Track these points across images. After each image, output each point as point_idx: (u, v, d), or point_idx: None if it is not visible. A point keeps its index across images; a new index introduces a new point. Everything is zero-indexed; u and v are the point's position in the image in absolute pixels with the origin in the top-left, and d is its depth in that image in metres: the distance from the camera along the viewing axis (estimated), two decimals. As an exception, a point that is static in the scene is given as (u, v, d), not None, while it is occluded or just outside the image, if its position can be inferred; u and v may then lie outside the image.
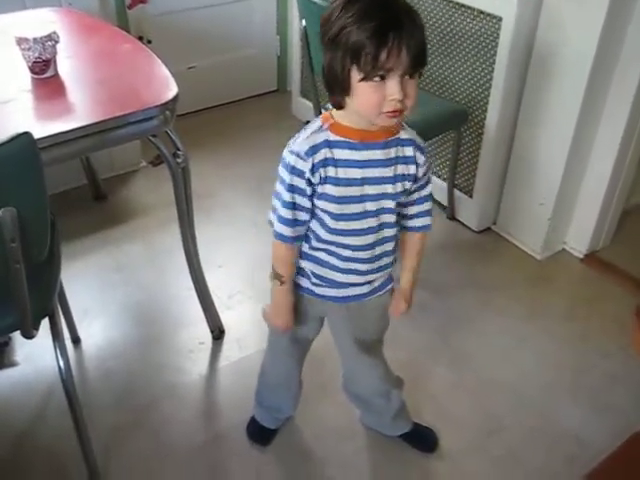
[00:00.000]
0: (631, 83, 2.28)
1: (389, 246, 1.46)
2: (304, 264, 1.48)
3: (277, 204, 1.38)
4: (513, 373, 2.16)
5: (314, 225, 1.41)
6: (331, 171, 1.31)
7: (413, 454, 1.89)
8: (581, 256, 2.69)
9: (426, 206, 1.47)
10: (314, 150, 1.30)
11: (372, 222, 1.38)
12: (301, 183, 1.32)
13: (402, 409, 1.85)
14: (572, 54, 2.26)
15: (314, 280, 1.49)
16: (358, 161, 1.32)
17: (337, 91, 1.25)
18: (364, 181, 1.33)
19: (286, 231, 1.39)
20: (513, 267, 2.63)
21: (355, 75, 1.20)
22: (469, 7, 2.43)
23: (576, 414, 2.04)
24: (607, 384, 2.14)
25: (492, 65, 2.44)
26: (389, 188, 1.35)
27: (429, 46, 2.63)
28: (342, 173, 1.32)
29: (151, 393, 2.06)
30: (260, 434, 1.91)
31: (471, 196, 2.76)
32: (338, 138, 1.31)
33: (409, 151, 1.36)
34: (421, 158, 1.37)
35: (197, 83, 3.45)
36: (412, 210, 1.46)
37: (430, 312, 2.36)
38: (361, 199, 1.35)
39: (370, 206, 1.36)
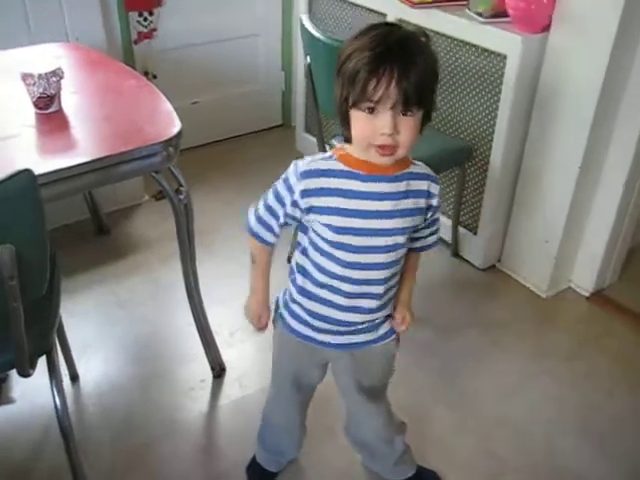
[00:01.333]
0: (636, 121, 2.28)
1: (395, 280, 1.44)
2: (304, 303, 1.45)
3: (262, 200, 1.41)
4: (518, 414, 2.12)
5: (318, 259, 1.38)
6: (332, 201, 1.30)
7: (416, 498, 1.85)
8: (587, 294, 2.66)
9: (436, 224, 1.46)
10: (311, 174, 1.30)
11: (382, 258, 1.36)
12: (286, 196, 1.34)
13: (405, 454, 1.81)
14: (577, 93, 2.26)
15: (315, 324, 1.46)
16: (363, 192, 1.30)
17: (342, 122, 1.27)
18: (369, 214, 1.31)
19: (252, 221, 1.43)
20: (518, 306, 2.60)
21: (349, 102, 1.21)
22: (474, 45, 2.44)
23: (582, 456, 1.99)
24: (613, 426, 2.10)
25: (497, 102, 2.44)
26: (399, 222, 1.33)
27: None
28: (344, 204, 1.30)
29: (150, 431, 2.02)
30: (260, 476, 1.87)
31: (475, 233, 2.74)
32: (344, 168, 1.30)
33: (422, 185, 1.35)
34: (436, 188, 1.37)
35: (201, 118, 3.47)
36: (425, 232, 1.45)
37: (434, 351, 2.33)
38: (369, 232, 1.32)
39: (381, 241, 1.34)
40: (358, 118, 1.22)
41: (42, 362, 1.60)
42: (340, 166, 1.30)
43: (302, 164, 1.32)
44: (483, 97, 2.50)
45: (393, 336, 1.54)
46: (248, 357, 2.32)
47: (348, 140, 1.29)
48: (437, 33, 2.55)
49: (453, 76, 2.58)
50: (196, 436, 2.04)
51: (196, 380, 2.20)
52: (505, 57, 2.34)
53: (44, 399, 1.92)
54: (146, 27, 3.18)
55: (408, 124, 1.21)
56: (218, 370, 2.22)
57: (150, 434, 2.01)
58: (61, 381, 1.66)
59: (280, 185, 1.35)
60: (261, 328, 1.57)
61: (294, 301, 1.48)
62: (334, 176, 1.30)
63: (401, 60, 1.16)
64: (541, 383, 2.25)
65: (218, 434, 2.07)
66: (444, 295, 2.60)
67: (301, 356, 1.56)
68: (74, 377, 2.16)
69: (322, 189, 1.30)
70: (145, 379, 2.20)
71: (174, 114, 1.86)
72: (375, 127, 1.20)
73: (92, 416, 2.07)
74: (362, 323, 1.46)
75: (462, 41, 2.48)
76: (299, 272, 1.44)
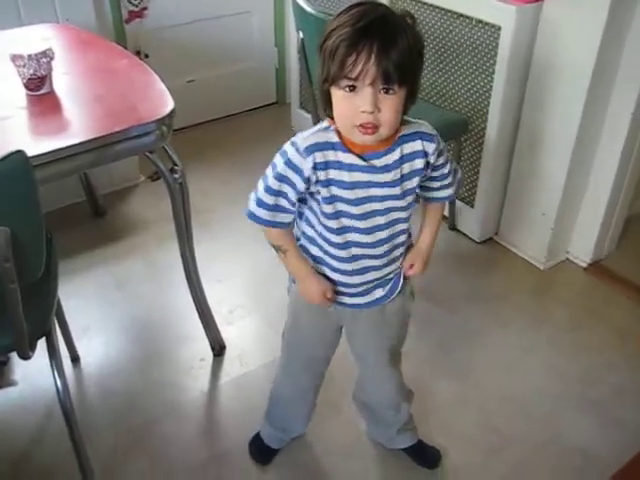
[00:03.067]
0: (632, 89, 2.26)
1: (401, 239, 1.43)
2: (315, 268, 1.46)
3: (260, 186, 1.36)
4: (518, 386, 2.13)
5: (320, 227, 1.38)
6: (334, 173, 1.29)
7: (419, 472, 1.86)
8: (585, 265, 2.66)
9: (448, 179, 1.43)
10: (316, 148, 1.28)
11: (380, 220, 1.36)
12: (295, 178, 1.30)
13: (409, 422, 1.83)
14: (571, 63, 2.25)
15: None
16: (361, 166, 1.29)
17: (324, 104, 1.26)
18: (370, 184, 1.31)
19: (262, 214, 1.37)
20: (516, 278, 2.61)
21: (329, 80, 1.20)
22: (468, 17, 2.42)
23: (583, 427, 2.01)
24: (613, 396, 2.11)
25: (492, 74, 2.42)
26: (396, 190, 1.33)
27: (428, 56, 2.63)
28: (347, 176, 1.30)
29: (151, 411, 2.03)
30: (262, 453, 1.88)
31: (472, 206, 2.74)
32: (341, 142, 1.29)
33: (417, 145, 1.32)
34: (430, 147, 1.33)
35: (196, 97, 3.45)
36: (434, 184, 1.43)
37: (433, 324, 2.33)
38: (367, 200, 1.32)
39: (377, 206, 1.34)
40: (339, 97, 1.20)
41: (43, 344, 1.61)
42: (338, 138, 1.28)
43: (301, 140, 1.29)
44: (478, 69, 2.48)
45: (405, 288, 1.53)
46: (248, 334, 2.32)
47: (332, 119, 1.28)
48: (431, 5, 2.53)
49: (447, 49, 2.56)
50: (197, 415, 2.05)
51: (196, 359, 2.20)
52: (499, 28, 2.32)
53: (45, 381, 1.92)
54: (137, 6, 3.14)
55: (390, 102, 1.19)
56: (218, 348, 2.22)
57: (151, 414, 2.02)
58: (61, 363, 1.66)
59: (281, 167, 1.31)
60: (332, 300, 1.47)
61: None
62: (334, 149, 1.29)
63: (381, 36, 1.14)
64: (541, 355, 2.26)
65: (219, 412, 2.08)
66: (442, 268, 2.60)
67: (318, 321, 1.55)
68: (75, 359, 2.17)
69: (327, 162, 1.29)
70: (145, 359, 2.21)
71: (167, 92, 1.85)
72: (355, 106, 1.18)
73: (93, 397, 2.08)
74: (372, 282, 1.46)
75: (456, 13, 2.45)
76: (305, 239, 1.44)
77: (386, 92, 1.17)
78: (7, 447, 1.92)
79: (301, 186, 1.31)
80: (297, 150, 1.29)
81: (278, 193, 1.34)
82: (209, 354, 2.22)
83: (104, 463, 1.86)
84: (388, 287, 1.50)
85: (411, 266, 1.51)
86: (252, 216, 1.39)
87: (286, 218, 1.39)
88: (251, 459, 1.88)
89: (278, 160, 1.32)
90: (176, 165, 1.90)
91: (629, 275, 2.61)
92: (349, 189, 1.31)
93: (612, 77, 2.28)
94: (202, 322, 2.20)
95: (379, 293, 1.50)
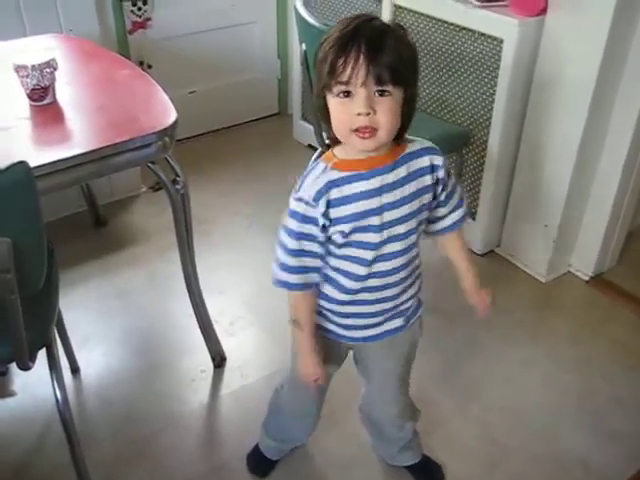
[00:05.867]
0: (634, 103, 2.27)
1: (415, 263, 1.42)
2: (335, 308, 1.43)
3: (279, 253, 1.34)
4: (518, 399, 2.13)
5: (342, 264, 1.36)
6: (345, 209, 1.27)
7: (420, 485, 1.85)
8: (587, 278, 2.66)
9: (455, 199, 1.41)
10: (321, 194, 1.26)
11: (398, 246, 1.33)
12: (313, 230, 1.29)
13: (412, 440, 1.80)
14: (574, 76, 2.25)
15: (343, 322, 1.45)
16: (371, 190, 1.27)
17: (323, 119, 1.25)
18: (382, 209, 1.29)
19: (291, 278, 1.34)
20: (518, 290, 2.60)
21: (324, 89, 1.19)
22: (470, 30, 2.42)
23: (582, 440, 2.00)
24: (613, 409, 2.10)
25: (494, 87, 2.43)
26: (406, 208, 1.31)
27: (430, 69, 2.64)
28: (356, 208, 1.28)
29: (151, 422, 2.02)
30: (260, 465, 1.87)
31: (474, 219, 2.74)
32: (345, 174, 1.27)
33: (424, 161, 1.31)
34: (439, 159, 1.32)
35: (198, 108, 3.45)
36: (441, 212, 1.41)
37: (434, 337, 2.32)
38: (381, 227, 1.30)
39: (394, 231, 1.31)
40: (334, 105, 1.19)
41: (43, 355, 1.60)
42: (339, 174, 1.27)
43: (306, 193, 1.27)
44: (480, 82, 2.49)
45: (418, 314, 1.53)
46: (248, 346, 2.32)
47: (332, 140, 1.27)
48: (433, 18, 2.53)
49: (450, 61, 2.56)
50: (197, 427, 2.04)
51: (197, 370, 2.20)
52: (502, 41, 2.32)
53: (45, 392, 1.91)
54: (140, 16, 3.15)
55: (385, 104, 1.17)
56: (218, 360, 2.21)
57: (151, 426, 2.01)
58: (61, 374, 1.65)
59: (296, 226, 1.29)
60: (315, 382, 1.49)
61: (323, 307, 1.44)
62: (338, 185, 1.26)
63: (369, 36, 1.14)
64: (542, 368, 2.25)
65: (219, 424, 2.07)
66: (443, 281, 2.56)
67: (326, 348, 1.51)
68: (75, 370, 2.16)
69: (336, 199, 1.26)
70: (146, 371, 2.20)
71: (169, 103, 1.85)
72: (351, 110, 1.17)
73: (93, 408, 2.07)
74: (388, 311, 1.44)
75: (458, 26, 2.46)
76: (326, 281, 1.40)
77: (381, 94, 1.16)
78: (6, 457, 1.91)
79: (320, 236, 1.30)
80: (307, 204, 1.27)
81: (302, 253, 1.32)
82: (209, 365, 2.21)
83: (104, 474, 1.85)
84: (399, 322, 1.48)
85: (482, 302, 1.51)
86: (282, 284, 1.36)
87: (316, 277, 1.37)
88: (249, 472, 1.87)
89: (291, 222, 1.30)
90: (178, 176, 1.90)
91: (631, 289, 2.61)
92: (362, 219, 1.28)
93: (614, 91, 2.28)
94: (203, 333, 2.20)
95: (396, 323, 1.48)
